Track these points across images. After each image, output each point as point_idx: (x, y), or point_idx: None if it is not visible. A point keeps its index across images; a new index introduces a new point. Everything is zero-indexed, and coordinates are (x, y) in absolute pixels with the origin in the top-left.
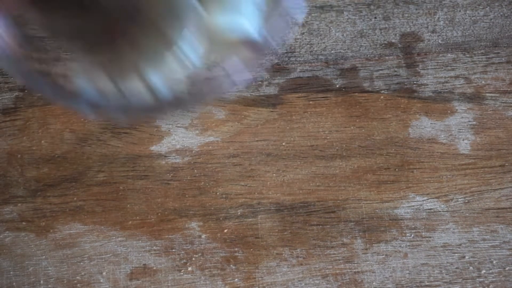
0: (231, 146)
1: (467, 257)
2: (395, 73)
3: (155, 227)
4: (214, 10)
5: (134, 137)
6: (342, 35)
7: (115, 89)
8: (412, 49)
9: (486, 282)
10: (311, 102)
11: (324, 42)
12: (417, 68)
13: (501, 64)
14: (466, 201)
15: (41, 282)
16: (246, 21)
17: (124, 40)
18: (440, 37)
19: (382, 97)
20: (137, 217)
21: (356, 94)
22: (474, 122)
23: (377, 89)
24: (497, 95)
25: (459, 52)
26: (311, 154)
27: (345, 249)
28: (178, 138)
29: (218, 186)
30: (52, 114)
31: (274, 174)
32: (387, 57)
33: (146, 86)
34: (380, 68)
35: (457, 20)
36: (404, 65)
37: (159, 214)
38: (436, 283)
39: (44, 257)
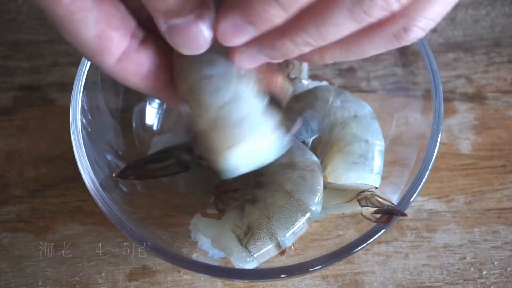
0: None
1: (468, 258)
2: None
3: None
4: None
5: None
6: None
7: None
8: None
9: (487, 283)
10: None
11: None
12: (411, 68)
13: (502, 63)
14: (467, 201)
15: (40, 283)
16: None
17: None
18: (441, 36)
19: (378, 96)
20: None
21: (354, 94)
22: (475, 122)
23: (374, 89)
24: (499, 94)
25: (460, 52)
26: None
27: None
28: None
29: None
30: (51, 114)
31: None
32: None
33: (275, 244)
34: (376, 69)
35: (458, 19)
36: (400, 64)
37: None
38: (437, 284)
39: (42, 258)
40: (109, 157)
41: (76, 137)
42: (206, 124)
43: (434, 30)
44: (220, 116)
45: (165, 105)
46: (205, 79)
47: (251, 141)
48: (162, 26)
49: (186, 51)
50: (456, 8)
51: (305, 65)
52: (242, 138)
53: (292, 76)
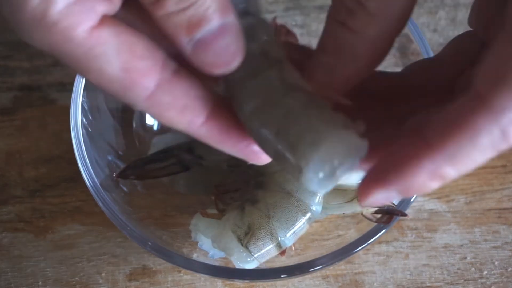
0: None
1: (468, 258)
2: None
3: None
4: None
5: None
6: None
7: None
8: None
9: (488, 283)
10: None
11: None
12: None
13: None
14: (468, 201)
15: (40, 283)
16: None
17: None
18: (441, 36)
19: None
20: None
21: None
22: None
23: None
24: None
25: None
26: None
27: None
28: None
29: None
30: (51, 114)
31: None
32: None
33: (275, 244)
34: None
35: (459, 19)
36: (400, 64)
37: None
38: (438, 284)
39: (42, 258)
40: (109, 157)
41: (76, 137)
42: (272, 155)
43: (434, 30)
44: (280, 144)
45: None
46: (252, 114)
47: (322, 154)
48: (187, 47)
49: (220, 69)
50: (456, 8)
51: None
52: (310, 155)
53: None
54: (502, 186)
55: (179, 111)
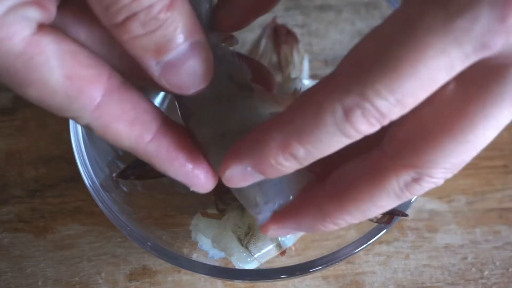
0: None
1: (469, 258)
2: None
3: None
4: None
5: None
6: (340, 36)
7: (242, 249)
8: None
9: (488, 283)
10: None
11: (323, 42)
12: None
13: None
14: (469, 201)
15: (39, 283)
16: None
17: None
18: None
19: None
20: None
21: None
22: None
23: None
24: None
25: None
26: None
27: None
28: None
29: None
30: (50, 114)
31: None
32: None
33: (276, 244)
34: None
35: None
36: None
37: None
38: (438, 284)
39: (42, 258)
40: (109, 157)
41: (76, 137)
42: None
43: None
44: None
45: (165, 105)
46: (216, 140)
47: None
48: (155, 70)
49: (189, 90)
50: None
51: (305, 65)
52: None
53: (293, 76)
54: (503, 186)
55: (128, 124)
